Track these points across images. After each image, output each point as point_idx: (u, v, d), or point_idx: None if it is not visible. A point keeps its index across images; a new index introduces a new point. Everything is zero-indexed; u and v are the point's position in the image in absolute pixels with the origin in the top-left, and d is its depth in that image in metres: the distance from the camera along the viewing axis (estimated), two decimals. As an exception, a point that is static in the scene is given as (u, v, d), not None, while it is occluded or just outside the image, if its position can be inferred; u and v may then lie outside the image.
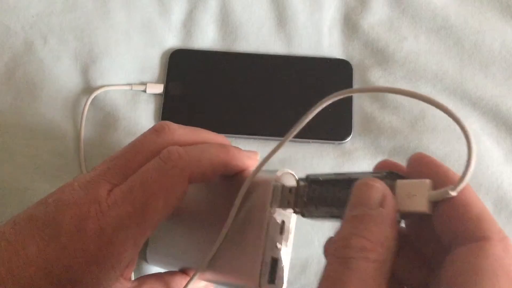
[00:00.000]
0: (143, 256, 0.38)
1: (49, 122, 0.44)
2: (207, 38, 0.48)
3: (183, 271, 0.33)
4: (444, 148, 0.43)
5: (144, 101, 0.45)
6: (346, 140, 0.44)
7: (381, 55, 0.46)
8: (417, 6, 0.48)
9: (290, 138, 0.26)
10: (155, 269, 0.38)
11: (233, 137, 0.43)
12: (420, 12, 0.48)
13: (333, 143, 0.44)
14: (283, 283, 0.27)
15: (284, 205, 0.27)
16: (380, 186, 0.23)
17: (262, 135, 0.43)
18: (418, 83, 0.45)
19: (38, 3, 0.48)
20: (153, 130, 0.31)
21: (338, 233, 0.23)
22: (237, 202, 0.28)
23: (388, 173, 0.24)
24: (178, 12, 0.48)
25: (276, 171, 0.28)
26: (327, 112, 0.45)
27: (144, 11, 0.48)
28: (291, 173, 0.28)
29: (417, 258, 0.25)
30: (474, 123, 0.44)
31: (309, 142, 0.44)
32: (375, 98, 0.45)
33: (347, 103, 0.45)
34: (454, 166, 0.42)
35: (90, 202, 0.27)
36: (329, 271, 0.22)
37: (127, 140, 0.34)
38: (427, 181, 0.22)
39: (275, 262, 0.27)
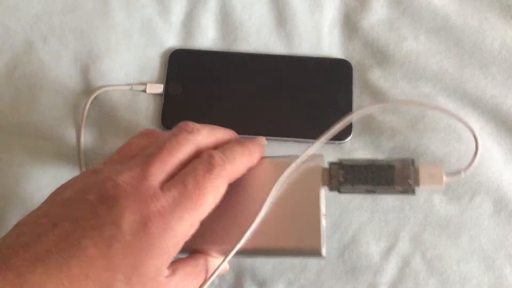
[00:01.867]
0: None
1: (49, 122, 0.44)
2: (207, 38, 0.48)
3: (204, 253, 0.34)
4: (444, 148, 0.43)
5: (144, 101, 0.45)
6: (346, 140, 0.44)
7: (381, 55, 0.46)
8: (417, 6, 0.48)
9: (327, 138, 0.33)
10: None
11: (233, 137, 0.43)
12: (420, 12, 0.48)
13: (333, 143, 0.44)
14: (325, 244, 0.33)
15: (325, 184, 0.33)
16: None
17: (262, 135, 0.43)
18: (418, 83, 0.45)
19: (38, 3, 0.48)
20: (183, 130, 0.32)
21: None
22: (278, 183, 0.33)
23: (412, 158, 0.31)
24: (178, 12, 0.48)
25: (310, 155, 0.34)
26: (327, 112, 0.45)
27: (144, 11, 0.48)
28: (320, 155, 0.34)
29: None
30: (474, 123, 0.44)
31: (309, 142, 0.44)
32: (375, 98, 0.45)
33: (347, 103, 0.45)
34: (454, 166, 0.42)
35: (147, 198, 0.28)
36: None
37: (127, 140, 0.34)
38: (442, 164, 0.30)
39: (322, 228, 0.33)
